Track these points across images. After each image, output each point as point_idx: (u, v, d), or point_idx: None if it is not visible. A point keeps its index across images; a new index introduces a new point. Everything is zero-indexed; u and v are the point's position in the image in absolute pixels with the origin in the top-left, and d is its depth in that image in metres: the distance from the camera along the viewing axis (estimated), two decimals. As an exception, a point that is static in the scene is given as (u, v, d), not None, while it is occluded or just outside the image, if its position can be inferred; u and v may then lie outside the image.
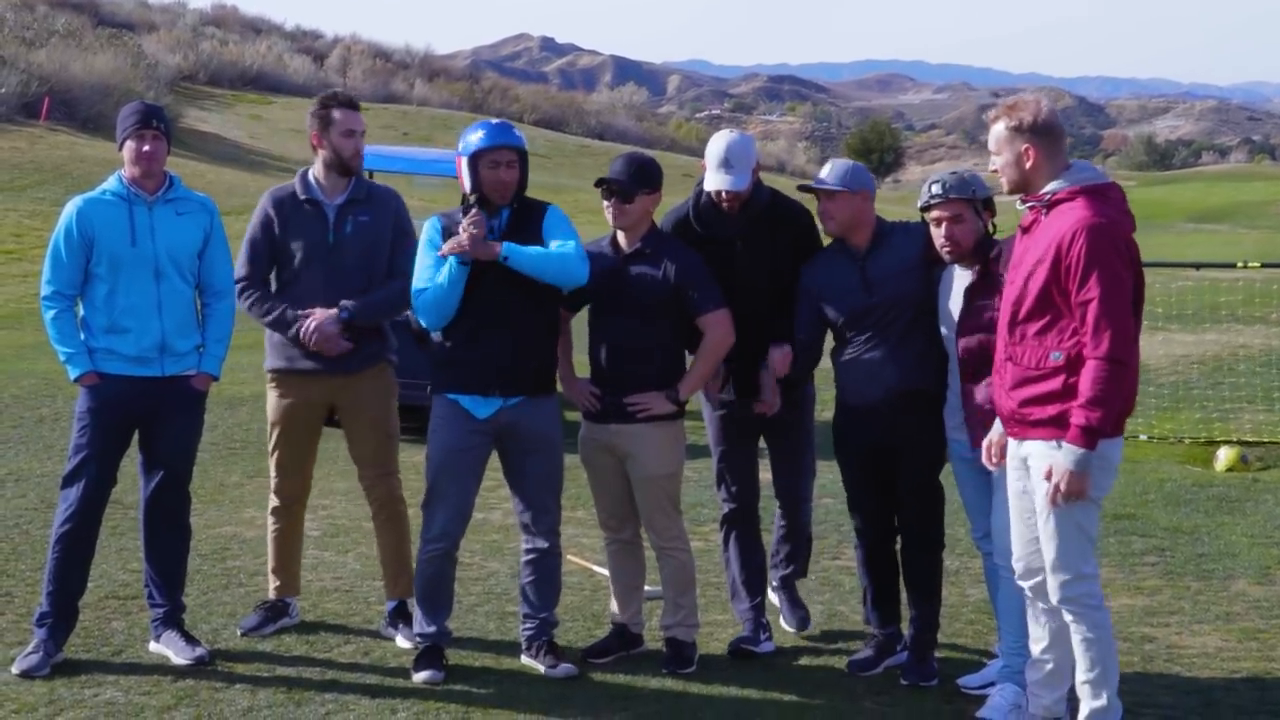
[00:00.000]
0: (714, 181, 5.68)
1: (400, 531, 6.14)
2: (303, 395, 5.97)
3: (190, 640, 5.72)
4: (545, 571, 5.79)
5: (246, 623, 6.06)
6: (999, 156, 4.86)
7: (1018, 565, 5.04)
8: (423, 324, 5.64)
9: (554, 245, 5.52)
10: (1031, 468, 4.83)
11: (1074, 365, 4.66)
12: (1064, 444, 4.63)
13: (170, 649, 5.68)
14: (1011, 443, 4.96)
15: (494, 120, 5.79)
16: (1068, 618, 4.84)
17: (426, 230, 5.67)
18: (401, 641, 5.96)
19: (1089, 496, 4.71)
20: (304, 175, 6.02)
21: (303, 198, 5.93)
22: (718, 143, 5.75)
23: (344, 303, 5.82)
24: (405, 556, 6.14)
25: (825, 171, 5.67)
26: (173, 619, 5.77)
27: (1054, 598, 4.84)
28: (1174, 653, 6.10)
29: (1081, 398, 4.59)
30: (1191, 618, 6.60)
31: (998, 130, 4.84)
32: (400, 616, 6.08)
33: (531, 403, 5.64)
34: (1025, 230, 4.88)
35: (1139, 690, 5.59)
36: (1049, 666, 5.04)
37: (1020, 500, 4.97)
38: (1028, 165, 4.78)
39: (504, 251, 5.44)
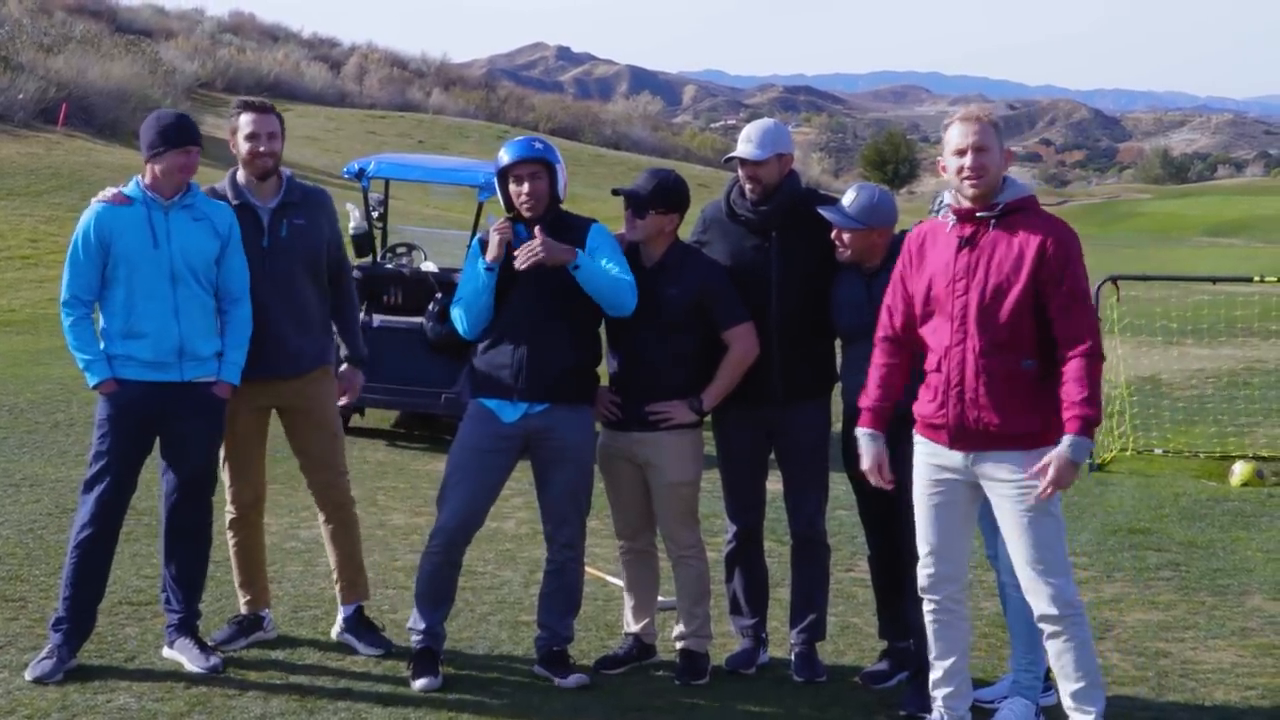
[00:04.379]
0: (736, 151, 5.83)
1: (354, 536, 6.08)
2: (249, 402, 5.85)
3: (204, 647, 5.72)
4: (562, 584, 5.77)
5: (218, 635, 5.96)
6: (986, 154, 4.70)
7: (926, 575, 4.97)
8: (460, 331, 5.72)
9: (613, 269, 5.55)
10: (998, 480, 4.77)
11: (1043, 371, 4.70)
12: (1069, 438, 4.58)
13: (184, 656, 5.68)
14: (941, 454, 4.87)
15: (521, 137, 5.86)
16: (1055, 629, 4.75)
17: (472, 246, 5.82)
18: (365, 650, 5.91)
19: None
20: (233, 178, 5.90)
21: (235, 203, 5.83)
22: (749, 124, 5.98)
23: (347, 355, 6.11)
24: (359, 560, 6.11)
25: (849, 199, 5.63)
26: (187, 626, 5.76)
27: (1052, 608, 4.72)
28: (1189, 668, 6.08)
29: (1082, 393, 4.59)
30: (1207, 633, 6.57)
31: (985, 127, 4.71)
32: (360, 623, 6.03)
33: (562, 411, 5.63)
34: (968, 241, 4.77)
35: (1153, 705, 5.57)
36: (961, 677, 5.01)
37: (943, 512, 4.90)
38: (1006, 168, 4.79)
39: (578, 260, 5.50)
